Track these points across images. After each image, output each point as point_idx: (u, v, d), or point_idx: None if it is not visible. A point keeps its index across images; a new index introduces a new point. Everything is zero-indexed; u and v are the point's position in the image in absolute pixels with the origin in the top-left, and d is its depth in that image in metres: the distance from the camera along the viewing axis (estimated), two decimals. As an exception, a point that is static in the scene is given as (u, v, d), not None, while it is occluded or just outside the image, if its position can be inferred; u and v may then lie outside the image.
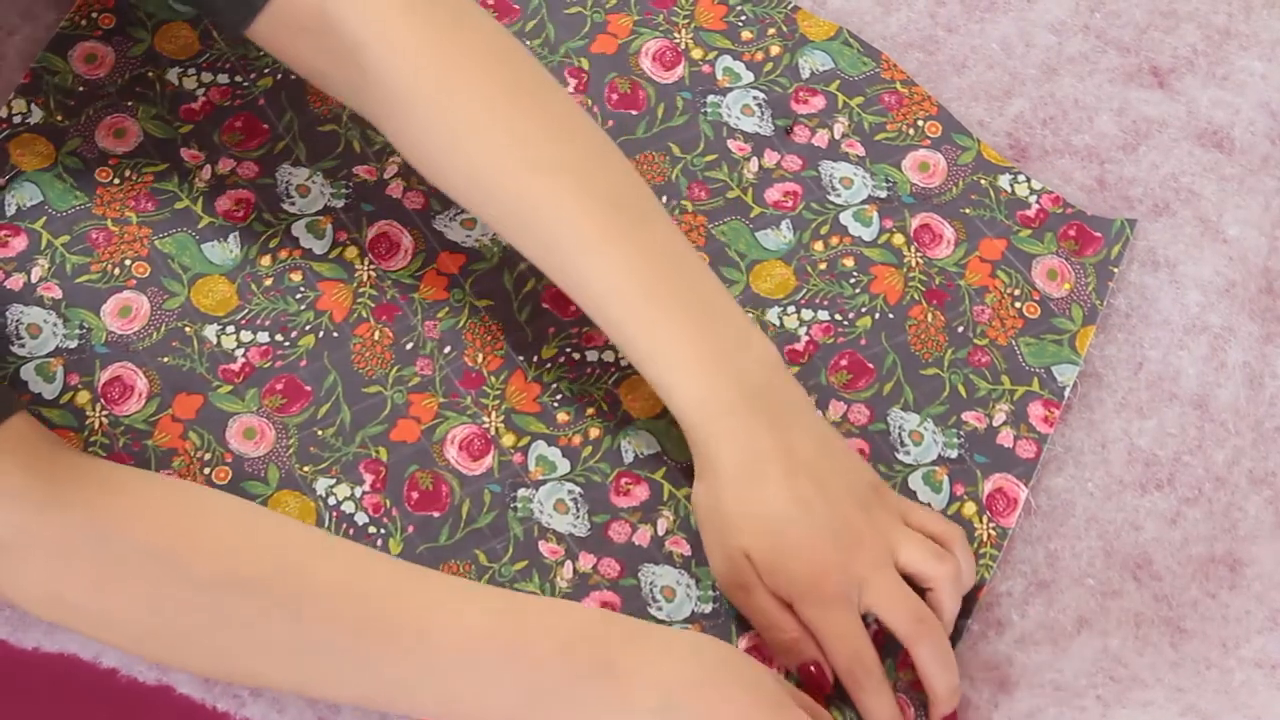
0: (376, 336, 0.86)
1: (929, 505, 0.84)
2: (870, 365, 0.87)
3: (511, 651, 0.71)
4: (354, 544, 0.75)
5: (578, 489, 0.84)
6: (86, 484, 0.73)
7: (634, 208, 0.80)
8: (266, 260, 0.87)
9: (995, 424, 0.86)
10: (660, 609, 0.82)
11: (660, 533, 0.83)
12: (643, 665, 0.71)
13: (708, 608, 0.82)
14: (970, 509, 0.84)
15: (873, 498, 0.80)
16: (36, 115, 0.89)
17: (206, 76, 0.91)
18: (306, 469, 0.83)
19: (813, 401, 0.82)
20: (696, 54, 0.94)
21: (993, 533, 0.84)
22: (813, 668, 0.77)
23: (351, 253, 0.88)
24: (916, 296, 0.89)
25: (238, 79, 0.91)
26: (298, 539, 0.74)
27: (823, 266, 0.89)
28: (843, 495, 0.78)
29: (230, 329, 0.86)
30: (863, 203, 0.91)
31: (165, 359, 0.85)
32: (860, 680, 0.77)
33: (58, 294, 0.85)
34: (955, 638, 0.81)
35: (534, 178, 0.80)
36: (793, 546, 0.77)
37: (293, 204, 0.89)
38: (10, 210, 0.87)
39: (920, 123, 0.93)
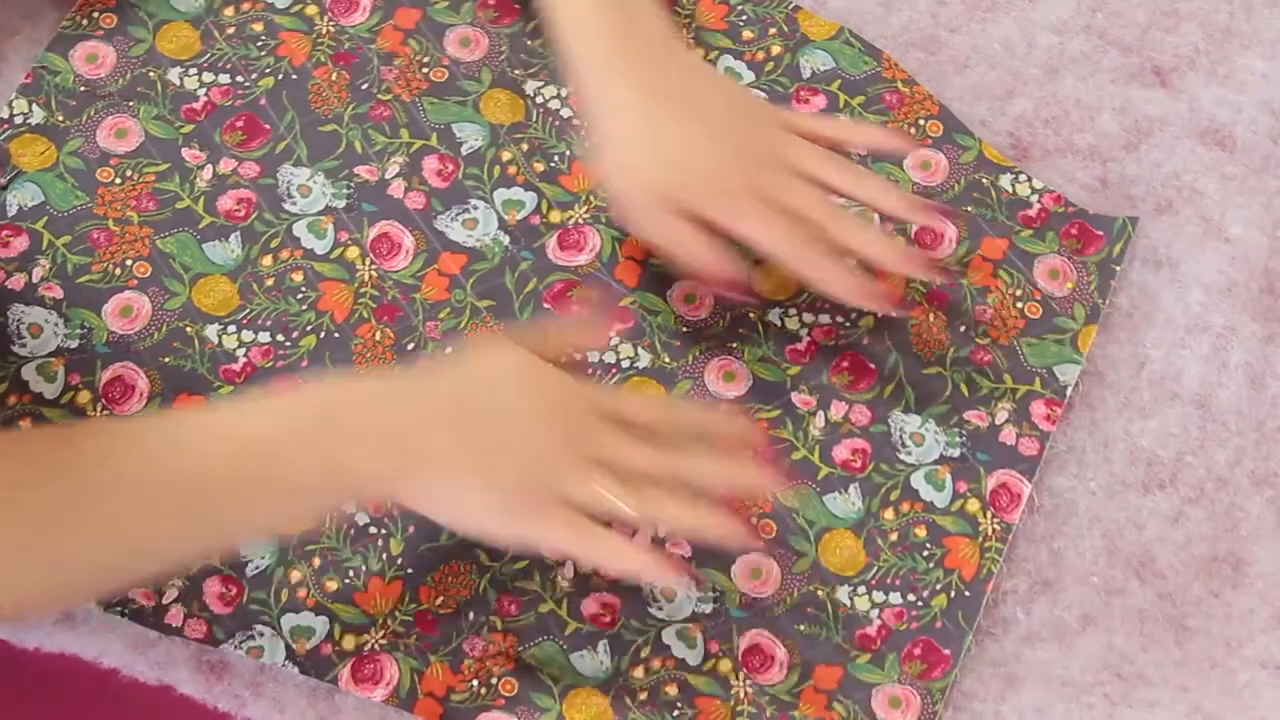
0: (378, 336, 0.86)
1: (931, 503, 0.84)
2: (872, 366, 0.87)
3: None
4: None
5: (579, 488, 0.84)
6: None
7: None
8: (268, 260, 0.87)
9: (997, 422, 0.86)
10: (660, 609, 0.82)
11: (660, 533, 0.83)
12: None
13: (708, 608, 0.82)
14: (974, 505, 0.84)
15: (761, 113, 0.85)
16: (38, 115, 0.89)
17: (208, 76, 0.91)
18: (308, 469, 0.83)
19: (682, 37, 0.87)
20: (697, 54, 0.94)
21: (997, 528, 0.84)
22: (719, 272, 0.82)
23: (353, 253, 0.88)
24: (918, 298, 0.89)
25: (239, 79, 0.91)
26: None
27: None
28: (736, 111, 0.84)
29: (231, 328, 0.86)
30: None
31: (166, 359, 0.85)
32: (806, 253, 0.81)
33: (59, 294, 0.85)
34: (963, 636, 0.82)
35: None
36: (700, 153, 0.81)
37: (294, 204, 0.89)
38: (12, 210, 0.87)
39: (921, 122, 0.93)
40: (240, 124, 0.90)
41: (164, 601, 0.80)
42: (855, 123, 0.85)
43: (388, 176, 0.90)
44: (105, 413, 0.83)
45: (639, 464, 0.76)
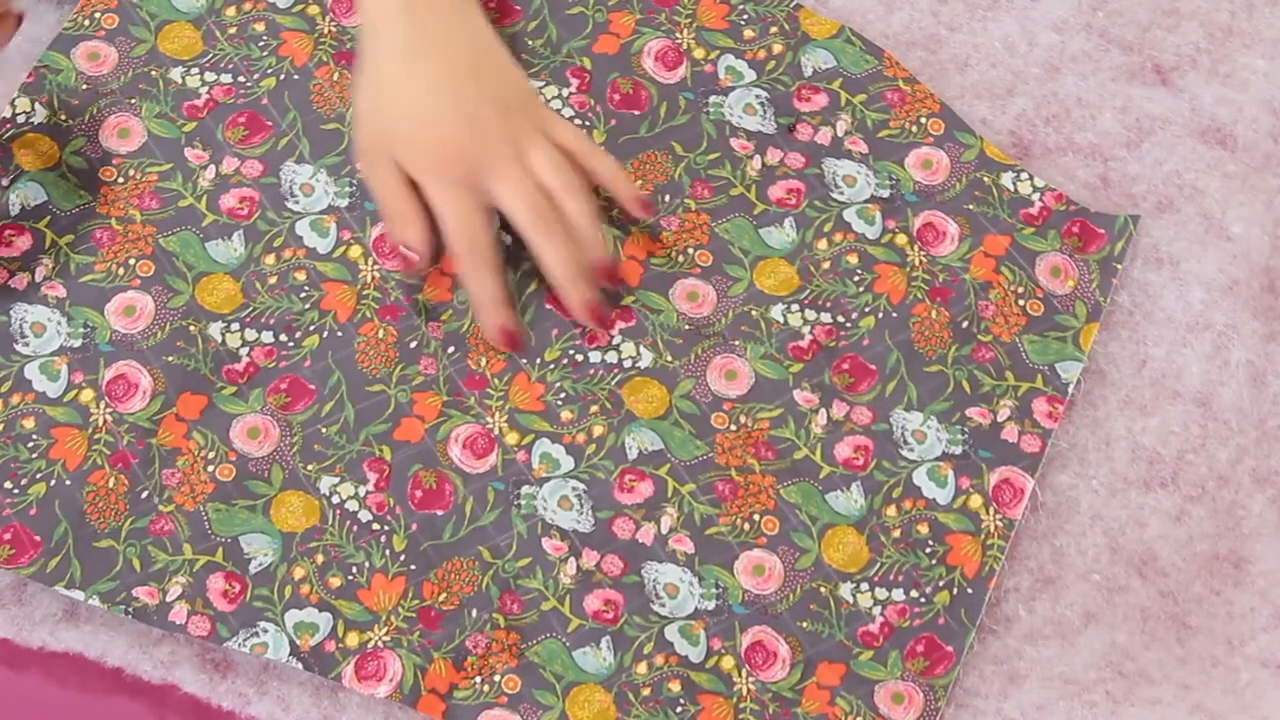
0: (381, 335, 0.86)
1: (934, 500, 0.84)
2: (872, 367, 0.87)
3: None
4: None
5: (581, 485, 0.84)
6: None
7: None
8: (271, 259, 0.87)
9: (999, 419, 0.86)
10: (663, 605, 0.82)
11: (664, 530, 0.83)
12: None
13: (710, 605, 0.82)
14: (976, 501, 0.84)
15: (518, 105, 0.87)
16: (40, 114, 0.89)
17: (210, 76, 0.91)
18: (310, 467, 0.83)
19: (482, 14, 0.88)
20: (699, 54, 0.94)
21: (999, 524, 0.84)
22: (402, 248, 0.85)
23: (355, 252, 0.88)
24: (920, 295, 0.89)
25: (240, 79, 0.91)
26: None
27: (826, 265, 0.89)
28: (491, 95, 0.86)
29: (235, 326, 0.86)
30: (865, 201, 0.91)
31: (170, 358, 0.85)
32: (472, 261, 0.85)
33: (62, 293, 0.85)
34: (965, 633, 0.82)
35: None
36: (431, 123, 0.84)
37: (297, 203, 0.89)
38: (14, 210, 0.87)
39: (923, 120, 0.93)
40: (243, 120, 0.90)
41: (167, 599, 0.80)
42: (600, 154, 0.88)
43: (390, 175, 0.90)
44: (108, 411, 0.83)
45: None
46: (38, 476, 0.82)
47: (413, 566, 0.82)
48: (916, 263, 0.90)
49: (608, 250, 0.87)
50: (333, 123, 0.91)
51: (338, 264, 0.88)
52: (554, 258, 0.85)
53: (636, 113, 0.93)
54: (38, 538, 0.81)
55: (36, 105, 0.90)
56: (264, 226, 0.88)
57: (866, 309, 0.88)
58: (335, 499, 0.83)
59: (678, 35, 0.95)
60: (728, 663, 0.81)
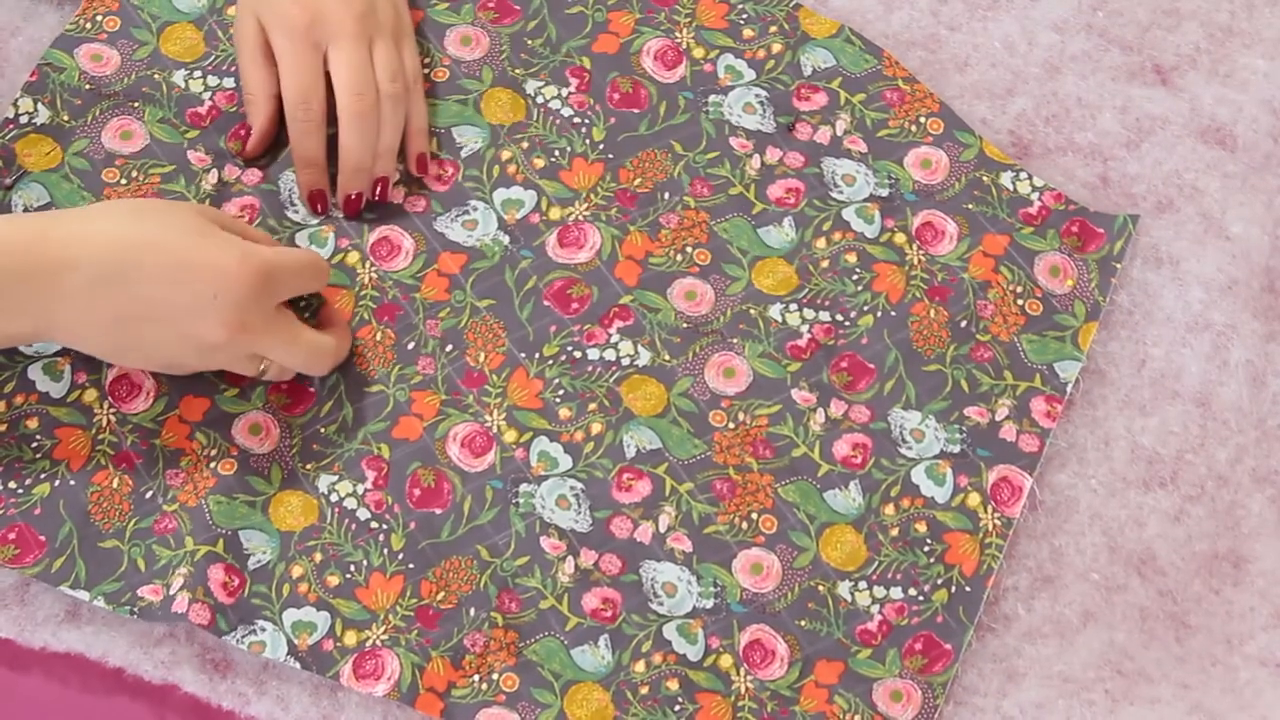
0: (379, 337, 0.86)
1: (932, 498, 0.84)
2: (871, 366, 0.87)
3: None
4: None
5: (579, 484, 0.84)
6: None
7: None
8: (270, 259, 0.88)
9: (998, 419, 0.86)
10: (661, 604, 0.82)
11: (662, 529, 0.83)
12: (68, 247, 0.74)
13: (709, 603, 0.82)
14: (974, 500, 0.84)
15: (386, 1, 0.88)
16: (43, 115, 0.89)
17: (213, 80, 0.92)
18: (309, 466, 0.83)
19: None
20: (698, 53, 0.94)
21: (998, 523, 0.84)
22: (243, 130, 0.90)
23: (353, 258, 0.88)
24: (919, 294, 0.89)
25: (242, 80, 0.92)
26: None
27: (824, 264, 0.89)
28: None
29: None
30: (865, 200, 0.91)
31: (170, 358, 0.85)
32: (304, 117, 0.86)
33: None
34: (964, 631, 0.82)
35: None
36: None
37: (296, 212, 0.89)
38: (17, 210, 0.87)
39: (922, 119, 0.93)
40: (244, 133, 0.90)
41: (171, 593, 0.80)
42: (422, 99, 0.90)
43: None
44: (112, 411, 0.83)
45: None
46: (42, 477, 0.82)
47: (411, 565, 0.82)
48: (915, 262, 0.90)
49: (394, 171, 0.89)
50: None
51: (336, 270, 0.88)
52: (356, 143, 0.86)
53: (636, 112, 0.93)
54: (43, 537, 0.81)
55: (39, 106, 0.90)
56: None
57: (865, 308, 0.88)
58: (334, 497, 0.83)
59: (677, 34, 0.95)
60: (726, 661, 0.81)
